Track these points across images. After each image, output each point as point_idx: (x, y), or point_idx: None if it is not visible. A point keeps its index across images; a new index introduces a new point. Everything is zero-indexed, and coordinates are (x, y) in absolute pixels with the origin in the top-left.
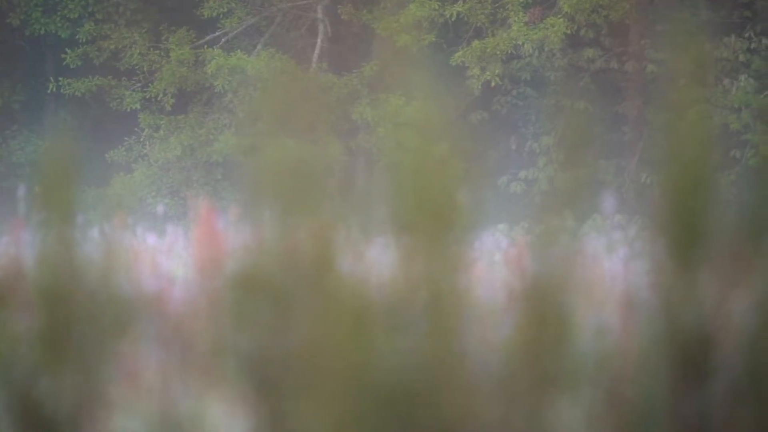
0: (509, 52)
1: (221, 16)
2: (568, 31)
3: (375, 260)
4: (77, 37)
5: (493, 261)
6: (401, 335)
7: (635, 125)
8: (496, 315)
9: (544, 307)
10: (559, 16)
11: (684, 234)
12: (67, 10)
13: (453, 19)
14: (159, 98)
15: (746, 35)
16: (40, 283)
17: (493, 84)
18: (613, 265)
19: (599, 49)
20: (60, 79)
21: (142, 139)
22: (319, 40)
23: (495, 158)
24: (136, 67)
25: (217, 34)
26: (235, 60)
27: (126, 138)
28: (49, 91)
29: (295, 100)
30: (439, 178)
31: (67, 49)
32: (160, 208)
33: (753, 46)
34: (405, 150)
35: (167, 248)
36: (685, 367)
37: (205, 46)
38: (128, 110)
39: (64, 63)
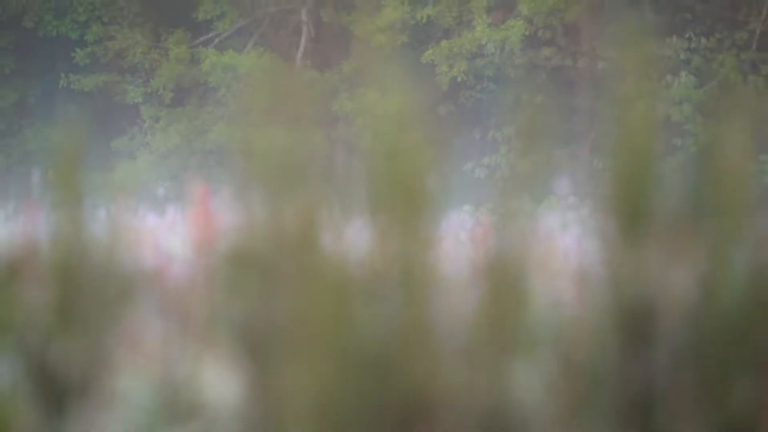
0: (474, 51)
1: (215, 18)
2: (527, 32)
3: (353, 238)
4: (85, 37)
5: (459, 239)
6: (377, 305)
7: (587, 116)
8: (462, 287)
9: (505, 280)
10: (518, 18)
11: (631, 214)
12: (77, 14)
13: (423, 22)
14: (159, 93)
15: (687, 36)
16: (52, 259)
17: (459, 80)
18: (568, 242)
19: (555, 48)
20: (70, 75)
21: (143, 130)
22: (303, 40)
23: (461, 146)
24: (139, 65)
25: (211, 35)
26: (228, 58)
27: (129, 128)
28: (60, 87)
29: (281, 94)
30: (411, 164)
31: (76, 49)
32: (160, 191)
33: (692, 45)
34: (380, 139)
35: (167, 227)
36: (632, 333)
37: (201, 46)
38: (131, 103)
39: (74, 61)
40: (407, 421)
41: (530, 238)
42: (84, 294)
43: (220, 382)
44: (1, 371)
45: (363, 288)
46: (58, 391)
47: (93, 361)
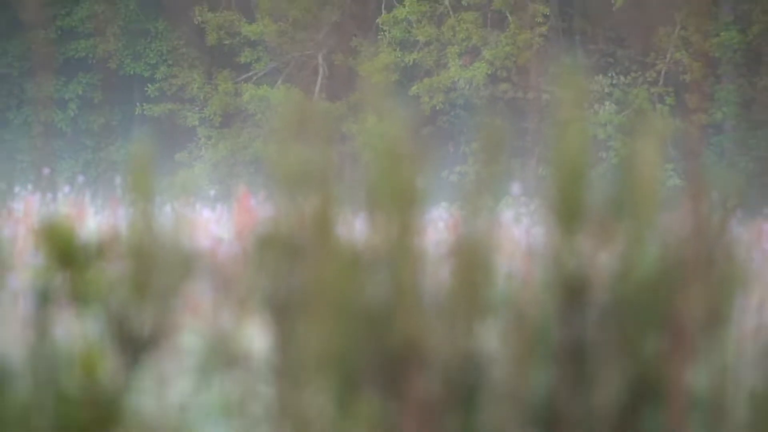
0: (449, 86)
1: (253, 61)
2: (489, 72)
3: (358, 227)
4: (155, 76)
5: (438, 227)
6: (376, 277)
7: (535, 135)
8: (440, 263)
9: (472, 258)
10: (482, 61)
11: (567, 209)
12: (149, 58)
13: (410, 64)
14: (211, 117)
15: (609, 75)
16: (130, 242)
17: (438, 108)
18: (519, 230)
19: (510, 84)
20: (143, 104)
21: (199, 146)
22: (319, 78)
23: (439, 158)
24: (195, 97)
25: (250, 74)
26: (263, 91)
27: (188, 144)
28: (136, 113)
29: (303, 119)
30: (401, 171)
31: (148, 84)
32: (212, 192)
33: (614, 82)
34: (377, 152)
35: (216, 219)
36: (568, 299)
37: (242, 82)
38: (190, 126)
39: (146, 93)
40: (398, 366)
41: (491, 227)
42: (154, 269)
43: (255, 337)
44: (91, 328)
45: (365, 264)
46: (134, 344)
47: (160, 321)
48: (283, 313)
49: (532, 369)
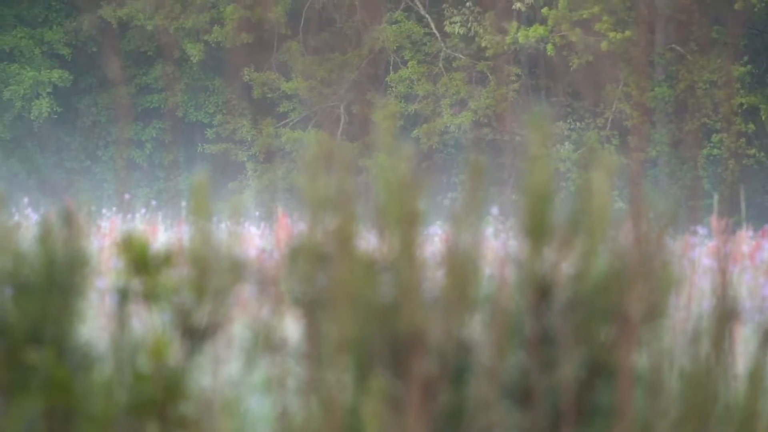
0: (442, 129)
1: (289, 111)
2: (474, 119)
3: (372, 240)
4: (213, 122)
5: (434, 241)
6: (386, 280)
7: (510, 169)
8: (436, 269)
9: (461, 265)
10: (469, 111)
11: (535, 227)
12: (207, 108)
13: (412, 113)
14: (256, 155)
15: (568, 121)
16: (192, 253)
17: (434, 147)
18: (498, 244)
19: (490, 128)
20: (204, 144)
21: (247, 177)
22: (341, 124)
23: (435, 186)
24: (244, 138)
25: (287, 120)
26: (297, 134)
27: (239, 176)
28: (197, 151)
29: (328, 156)
30: (405, 196)
31: (207, 129)
32: (257, 213)
33: (571, 127)
34: (387, 182)
35: (261, 234)
36: (536, 297)
37: (281, 127)
38: (240, 161)
39: (206, 136)
40: (404, 350)
41: (476, 240)
42: (210, 273)
43: (291, 327)
44: (160, 321)
45: (377, 270)
46: (194, 333)
47: (216, 314)
48: (312, 308)
49: (509, 353)
